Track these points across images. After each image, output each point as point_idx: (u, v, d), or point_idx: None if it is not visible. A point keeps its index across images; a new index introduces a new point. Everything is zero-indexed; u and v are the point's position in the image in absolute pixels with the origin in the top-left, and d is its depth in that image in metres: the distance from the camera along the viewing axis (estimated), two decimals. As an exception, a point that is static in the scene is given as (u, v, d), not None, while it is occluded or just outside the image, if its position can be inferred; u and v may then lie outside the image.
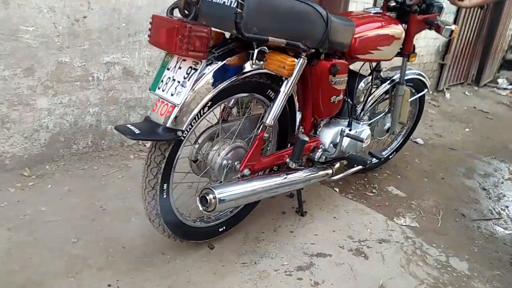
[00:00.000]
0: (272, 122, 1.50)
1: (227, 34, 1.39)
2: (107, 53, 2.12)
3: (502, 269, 1.89)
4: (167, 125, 1.26)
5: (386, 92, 2.30)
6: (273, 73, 1.48)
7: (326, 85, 1.69)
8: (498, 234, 2.19)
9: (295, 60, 1.36)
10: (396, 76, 2.27)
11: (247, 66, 1.39)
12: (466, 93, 5.52)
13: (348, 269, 1.72)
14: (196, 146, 1.56)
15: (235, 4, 1.19)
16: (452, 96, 5.20)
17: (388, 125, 2.41)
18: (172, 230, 1.48)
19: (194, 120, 1.34)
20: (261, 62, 1.39)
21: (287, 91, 1.49)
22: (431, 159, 3.07)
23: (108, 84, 2.18)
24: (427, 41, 4.78)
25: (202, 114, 1.36)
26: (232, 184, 1.44)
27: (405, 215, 2.21)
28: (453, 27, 2.07)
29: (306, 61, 1.51)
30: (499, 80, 6.44)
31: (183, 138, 1.33)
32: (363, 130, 1.97)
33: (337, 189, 2.34)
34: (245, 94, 1.50)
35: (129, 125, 1.26)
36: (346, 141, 1.86)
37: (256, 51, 1.35)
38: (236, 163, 1.56)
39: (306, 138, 1.59)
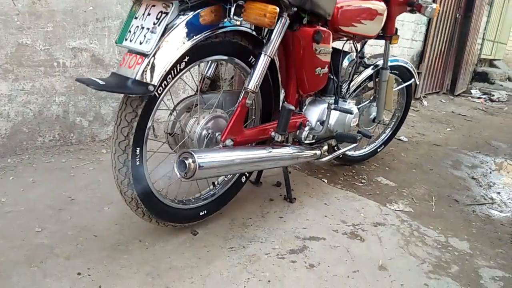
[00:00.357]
0: (255, 88, 1.38)
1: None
2: (73, 37, 1.99)
3: (503, 247, 1.79)
4: (137, 78, 1.12)
5: (370, 79, 2.24)
6: (253, 34, 1.38)
7: (310, 54, 1.59)
8: (495, 216, 2.10)
9: (277, 8, 1.26)
10: (380, 62, 2.22)
11: (225, 21, 1.28)
12: (442, 101, 5.58)
13: (344, 251, 1.58)
14: (171, 117, 1.42)
15: None
16: (430, 103, 5.24)
17: (374, 114, 2.33)
18: (147, 207, 1.31)
19: (169, 77, 1.21)
20: (240, 19, 1.29)
21: (269, 51, 1.39)
22: (417, 153, 3.00)
23: (76, 72, 2.04)
24: (401, 50, 4.85)
25: (177, 71, 1.23)
26: (214, 151, 1.30)
27: (398, 201, 2.11)
28: (434, 5, 2.04)
29: (287, 21, 1.42)
30: (472, 91, 6.58)
31: (156, 95, 1.19)
32: (350, 106, 1.88)
33: (325, 180, 2.22)
34: (224, 57, 1.38)
35: (92, 78, 1.12)
36: (334, 116, 1.76)
37: (234, 4, 1.26)
38: (217, 134, 1.42)
39: (292, 107, 1.48)
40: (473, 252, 1.70)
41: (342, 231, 1.71)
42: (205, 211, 1.55)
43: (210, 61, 1.50)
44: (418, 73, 5.22)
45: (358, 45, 2.05)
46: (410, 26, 4.87)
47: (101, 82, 1.10)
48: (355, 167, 2.50)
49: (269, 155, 1.49)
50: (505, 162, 3.10)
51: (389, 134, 2.71)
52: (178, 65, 1.22)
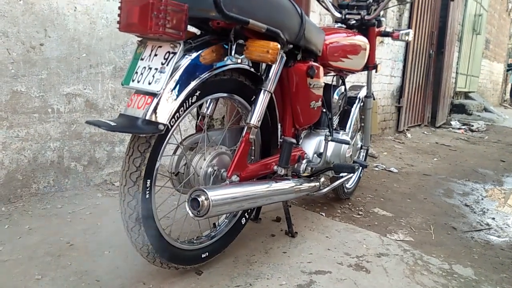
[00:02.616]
0: (257, 122, 1.41)
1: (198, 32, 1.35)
2: (67, 84, 2.01)
3: (507, 272, 1.79)
4: (147, 118, 1.13)
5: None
6: (252, 71, 1.43)
7: (304, 88, 1.65)
8: (494, 242, 2.12)
9: (278, 44, 1.31)
10: (362, 93, 2.31)
11: (226, 60, 1.32)
12: (425, 132, 5.73)
13: (352, 283, 1.56)
14: (175, 157, 1.42)
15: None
16: (413, 135, 5.38)
17: (360, 143, 2.38)
18: (154, 244, 1.27)
19: (177, 115, 1.23)
20: (241, 56, 1.34)
21: (269, 87, 1.43)
22: (409, 183, 3.05)
23: (70, 117, 2.04)
24: (381, 86, 5.02)
25: (184, 109, 1.25)
26: (224, 187, 1.30)
27: (397, 231, 2.11)
28: (409, 30, 2.19)
29: (284, 58, 1.48)
30: (452, 122, 6.79)
31: (169, 129, 1.20)
32: (344, 137, 1.92)
33: (323, 213, 2.22)
34: (225, 95, 1.42)
35: (102, 119, 1.13)
36: (330, 147, 1.79)
37: (235, 43, 1.31)
38: (222, 171, 1.43)
39: (293, 140, 1.50)
40: (478, 278, 1.70)
41: (347, 264, 1.70)
42: (207, 253, 1.52)
43: (210, 99, 1.53)
44: (399, 108, 5.41)
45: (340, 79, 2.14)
46: (388, 63, 5.08)
47: (112, 124, 1.10)
48: (351, 199, 2.52)
49: (275, 189, 1.50)
50: (495, 189, 3.17)
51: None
52: (185, 103, 1.24)
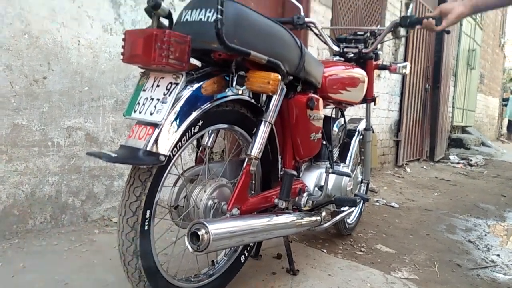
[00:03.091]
0: (258, 154, 1.40)
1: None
2: (69, 117, 2.01)
3: (517, 311, 1.74)
4: (147, 149, 1.12)
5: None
6: (252, 102, 1.43)
7: (305, 120, 1.65)
8: (500, 280, 2.06)
9: (279, 75, 1.32)
10: (361, 125, 2.32)
11: (227, 91, 1.33)
12: (424, 167, 5.72)
13: (357, 324, 1.50)
14: (175, 189, 1.40)
15: (213, 17, 1.18)
16: (412, 170, 5.37)
17: (360, 176, 2.37)
18: (150, 280, 1.22)
19: (178, 146, 1.22)
20: (242, 87, 1.35)
21: (269, 118, 1.43)
22: (411, 219, 3.01)
23: (70, 151, 2.03)
24: (379, 120, 5.06)
25: (185, 140, 1.24)
26: (224, 221, 1.27)
27: (401, 269, 2.06)
28: (406, 63, 2.22)
29: (284, 89, 1.49)
30: (451, 157, 6.80)
31: (170, 159, 1.19)
32: (345, 169, 1.91)
33: (325, 250, 2.17)
34: (226, 126, 1.41)
35: (103, 151, 1.12)
36: (331, 180, 1.78)
37: (236, 75, 1.32)
38: (222, 204, 1.40)
39: (294, 172, 1.49)
40: (487, 317, 1.65)
41: (351, 303, 1.64)
42: None
43: (211, 131, 1.53)
44: (398, 142, 5.43)
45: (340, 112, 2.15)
46: (385, 97, 5.14)
47: (113, 155, 1.09)
48: (353, 235, 2.47)
49: (276, 223, 1.47)
50: (497, 224, 3.13)
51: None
52: (186, 134, 1.23)
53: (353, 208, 1.94)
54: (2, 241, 1.80)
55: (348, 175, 1.78)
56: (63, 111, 1.99)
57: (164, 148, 1.13)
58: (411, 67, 5.56)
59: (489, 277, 2.08)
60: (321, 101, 1.72)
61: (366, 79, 2.11)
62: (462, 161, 6.47)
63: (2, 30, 1.77)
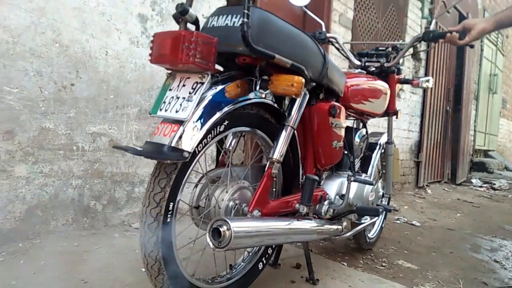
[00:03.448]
0: (279, 157, 1.40)
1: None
2: (94, 123, 2.06)
3: (548, 330, 1.66)
4: (172, 145, 1.14)
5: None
6: (275, 106, 1.44)
7: (327, 127, 1.65)
8: (528, 298, 1.98)
9: (303, 78, 1.33)
10: (382, 139, 2.30)
11: (250, 95, 1.34)
12: (445, 189, 5.60)
13: (379, 335, 1.45)
14: (197, 190, 1.41)
15: (239, 22, 1.21)
16: (433, 192, 5.26)
17: (382, 190, 2.33)
18: (169, 274, 1.20)
19: (201, 145, 1.23)
20: (266, 91, 1.36)
21: (291, 122, 1.44)
22: (433, 237, 2.93)
23: (93, 156, 2.07)
24: (400, 140, 5.01)
25: (212, 137, 1.25)
26: (247, 219, 1.26)
27: (424, 284, 2.00)
28: (429, 77, 2.20)
29: (307, 95, 1.50)
30: (473, 180, 6.64)
31: (195, 155, 1.20)
32: (367, 178, 1.89)
33: (344, 263, 2.13)
34: (248, 129, 1.42)
35: (130, 145, 1.14)
36: (353, 189, 1.75)
37: (260, 79, 1.34)
38: (244, 205, 1.40)
39: (316, 177, 1.48)
40: (517, 334, 1.57)
41: (373, 314, 1.59)
42: None
43: (232, 134, 1.54)
44: (418, 163, 5.34)
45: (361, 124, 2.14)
46: (405, 117, 5.10)
47: (138, 148, 1.12)
48: (373, 250, 2.42)
49: (297, 227, 1.46)
50: (524, 245, 3.02)
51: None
52: (211, 132, 1.25)
53: (375, 218, 1.90)
54: (25, 241, 1.83)
55: (371, 183, 1.76)
56: (88, 117, 2.04)
57: (188, 144, 1.15)
58: (431, 89, 5.53)
59: (517, 296, 2.00)
60: (343, 109, 1.72)
61: (389, 92, 2.11)
62: (485, 185, 6.30)
63: (34, 38, 1.85)
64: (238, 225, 1.17)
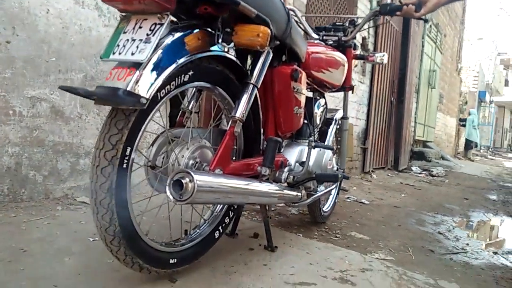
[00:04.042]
0: (242, 115, 1.34)
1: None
2: (33, 86, 1.87)
3: None
4: (128, 89, 1.03)
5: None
6: (238, 64, 1.38)
7: (288, 91, 1.61)
8: (472, 263, 2.09)
9: (268, 29, 1.28)
10: (338, 115, 2.32)
11: (211, 47, 1.27)
12: (389, 175, 5.83)
13: (339, 295, 1.45)
14: (154, 148, 1.32)
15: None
16: (378, 177, 5.45)
17: (336, 166, 2.35)
18: (121, 226, 1.09)
19: (162, 92, 1.14)
20: (229, 45, 1.30)
21: (254, 80, 1.38)
22: (381, 213, 3.02)
23: (33, 122, 1.88)
24: (348, 127, 5.12)
25: (174, 86, 1.17)
26: (210, 174, 1.19)
27: (377, 251, 2.04)
28: (384, 53, 2.24)
29: (271, 54, 1.45)
30: (413, 168, 6.98)
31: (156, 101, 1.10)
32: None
33: (300, 234, 2.12)
34: (208, 85, 1.34)
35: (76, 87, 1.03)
36: (313, 155, 1.73)
37: (222, 31, 1.27)
38: (204, 165, 1.33)
39: (279, 139, 1.44)
40: (465, 292, 1.64)
41: (331, 277, 1.59)
42: (175, 260, 1.34)
43: (192, 93, 1.46)
44: (365, 149, 5.51)
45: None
46: (353, 105, 5.23)
47: (89, 89, 1.00)
48: (327, 223, 2.44)
49: (259, 189, 1.41)
50: (463, 220, 3.20)
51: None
52: (173, 82, 1.16)
53: (333, 186, 1.90)
54: (-48, 211, 1.63)
55: (331, 148, 1.75)
56: (27, 80, 1.85)
57: (145, 90, 1.05)
58: (378, 80, 5.73)
59: (462, 260, 2.10)
60: (304, 75, 1.70)
61: (346, 65, 2.12)
62: (424, 172, 6.64)
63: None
64: (201, 179, 1.10)
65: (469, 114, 12.79)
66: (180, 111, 1.47)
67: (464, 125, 12.44)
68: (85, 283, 1.24)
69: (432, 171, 6.67)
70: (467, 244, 2.44)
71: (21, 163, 1.85)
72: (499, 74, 23.54)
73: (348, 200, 3.35)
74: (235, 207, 1.60)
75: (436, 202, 3.84)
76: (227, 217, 1.59)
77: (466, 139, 12.32)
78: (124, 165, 1.07)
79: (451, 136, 11.69)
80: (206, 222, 1.55)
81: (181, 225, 1.47)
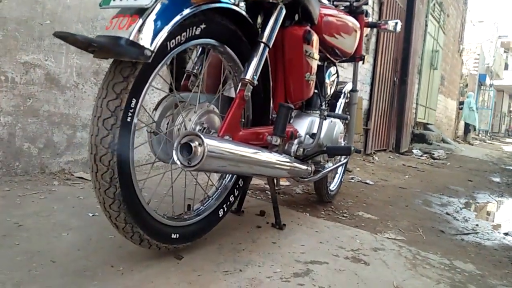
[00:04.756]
0: (252, 78, 1.23)
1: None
2: (26, 51, 1.75)
3: (508, 268, 1.68)
4: (131, 38, 0.92)
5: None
6: (249, 20, 1.25)
7: (300, 55, 1.50)
8: (485, 243, 2.02)
9: None
10: (347, 87, 2.21)
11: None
12: (391, 157, 5.76)
13: (352, 274, 1.37)
14: (157, 113, 1.21)
15: None
16: (380, 158, 5.37)
17: (343, 142, 2.25)
18: (122, 188, 0.99)
19: (173, 42, 1.03)
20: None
21: (265, 38, 1.27)
22: (387, 193, 2.95)
23: (26, 90, 1.77)
24: (351, 107, 5.01)
25: (184, 39, 1.05)
26: (220, 140, 1.09)
27: (387, 231, 1.97)
28: (398, 20, 2.12)
29: (284, 10, 1.33)
30: (414, 151, 6.90)
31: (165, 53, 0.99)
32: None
33: (307, 214, 2.04)
34: (216, 43, 1.22)
35: (74, 33, 0.91)
36: (325, 127, 1.63)
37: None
38: (212, 131, 1.23)
39: (291, 105, 1.34)
40: (482, 272, 1.57)
41: (343, 256, 1.51)
42: (177, 235, 1.25)
43: (197, 54, 1.34)
44: (367, 130, 5.42)
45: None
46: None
47: (88, 37, 0.89)
48: (333, 203, 2.36)
49: (270, 159, 1.31)
50: (470, 202, 3.13)
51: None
52: (183, 33, 1.04)
53: (344, 160, 1.80)
54: None
55: (346, 118, 1.64)
56: (19, 44, 1.73)
57: (150, 40, 0.94)
58: (381, 59, 5.59)
59: (474, 241, 2.03)
60: (317, 38, 1.58)
61: (359, 32, 2.00)
62: (425, 155, 6.58)
63: None
64: (212, 143, 1.00)
65: (467, 97, 12.67)
66: (185, 74, 1.36)
67: (462, 108, 12.34)
68: (85, 259, 1.15)
69: (433, 154, 6.60)
70: (477, 225, 2.37)
71: (15, 134, 1.75)
72: (500, 57, 23.37)
73: (353, 180, 3.27)
74: (241, 184, 1.51)
75: (440, 184, 3.77)
76: (232, 195, 1.50)
77: (465, 122, 12.24)
78: (129, 119, 0.96)
79: (451, 119, 11.60)
80: (211, 198, 1.46)
81: (184, 199, 1.38)
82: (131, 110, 0.96)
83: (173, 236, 1.24)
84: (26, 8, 1.73)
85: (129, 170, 1.00)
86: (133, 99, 0.96)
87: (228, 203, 1.50)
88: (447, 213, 2.60)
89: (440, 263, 1.60)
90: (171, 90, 1.27)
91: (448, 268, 1.55)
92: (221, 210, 1.47)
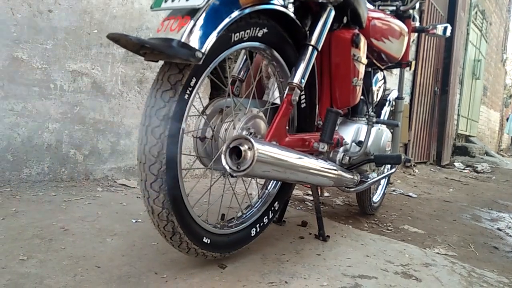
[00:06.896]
0: (300, 82, 1.20)
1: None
2: (74, 59, 1.80)
3: None
4: (183, 40, 0.91)
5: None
6: (297, 23, 1.21)
7: (348, 58, 1.45)
8: (544, 262, 1.87)
9: None
10: (392, 95, 2.13)
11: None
12: (432, 170, 5.55)
13: (404, 291, 1.29)
14: (202, 119, 1.20)
15: None
16: (420, 171, 5.19)
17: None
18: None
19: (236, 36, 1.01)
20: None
21: (314, 41, 1.23)
22: (432, 207, 2.81)
23: (74, 98, 1.81)
24: (389, 118, 4.88)
25: (239, 39, 1.04)
26: (270, 144, 1.06)
27: (436, 246, 1.86)
28: (447, 24, 2.03)
29: (333, 12, 1.29)
30: (456, 164, 6.64)
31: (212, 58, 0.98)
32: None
33: (350, 226, 1.96)
34: (262, 46, 1.19)
35: (127, 34, 0.91)
36: (372, 134, 1.56)
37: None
38: (258, 137, 1.20)
39: (340, 110, 1.29)
40: (546, 293, 1.45)
41: (392, 271, 1.43)
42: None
43: (243, 59, 1.33)
44: (407, 141, 5.25)
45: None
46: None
47: (142, 38, 0.89)
48: (376, 215, 2.28)
49: (318, 167, 1.26)
50: (522, 217, 2.94)
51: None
52: (237, 34, 1.03)
53: (397, 166, 1.70)
54: (-8, 188, 1.57)
55: (396, 125, 1.57)
56: (68, 52, 1.78)
57: (203, 42, 0.92)
58: (421, 68, 5.44)
59: (532, 259, 1.89)
60: (365, 41, 1.53)
61: (407, 36, 1.92)
62: (468, 168, 6.30)
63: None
64: (262, 147, 0.96)
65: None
66: (231, 80, 1.34)
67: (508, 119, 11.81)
68: (129, 265, 1.14)
69: (477, 167, 6.31)
70: (533, 242, 2.21)
71: (62, 141, 1.78)
72: (546, 68, 22.24)
73: (394, 193, 3.15)
74: (284, 193, 1.46)
75: (488, 198, 3.58)
76: (276, 202, 1.46)
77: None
78: (186, 96, 0.95)
79: (494, 132, 11.11)
80: (257, 204, 1.42)
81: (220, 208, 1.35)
82: (190, 88, 0.96)
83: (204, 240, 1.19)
84: (75, 17, 1.78)
85: (176, 152, 0.98)
86: (194, 78, 0.97)
87: (273, 208, 1.45)
88: (498, 229, 2.45)
89: (499, 281, 1.49)
90: (211, 96, 1.26)
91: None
92: (253, 229, 1.41)
